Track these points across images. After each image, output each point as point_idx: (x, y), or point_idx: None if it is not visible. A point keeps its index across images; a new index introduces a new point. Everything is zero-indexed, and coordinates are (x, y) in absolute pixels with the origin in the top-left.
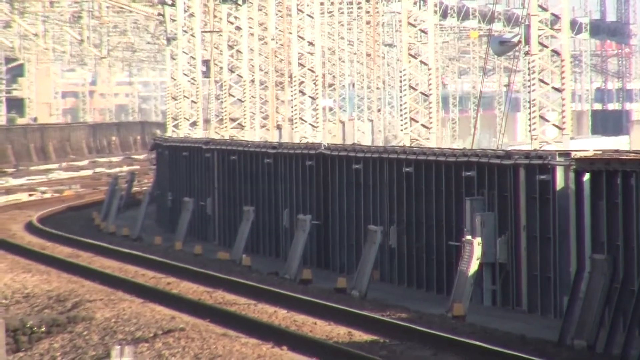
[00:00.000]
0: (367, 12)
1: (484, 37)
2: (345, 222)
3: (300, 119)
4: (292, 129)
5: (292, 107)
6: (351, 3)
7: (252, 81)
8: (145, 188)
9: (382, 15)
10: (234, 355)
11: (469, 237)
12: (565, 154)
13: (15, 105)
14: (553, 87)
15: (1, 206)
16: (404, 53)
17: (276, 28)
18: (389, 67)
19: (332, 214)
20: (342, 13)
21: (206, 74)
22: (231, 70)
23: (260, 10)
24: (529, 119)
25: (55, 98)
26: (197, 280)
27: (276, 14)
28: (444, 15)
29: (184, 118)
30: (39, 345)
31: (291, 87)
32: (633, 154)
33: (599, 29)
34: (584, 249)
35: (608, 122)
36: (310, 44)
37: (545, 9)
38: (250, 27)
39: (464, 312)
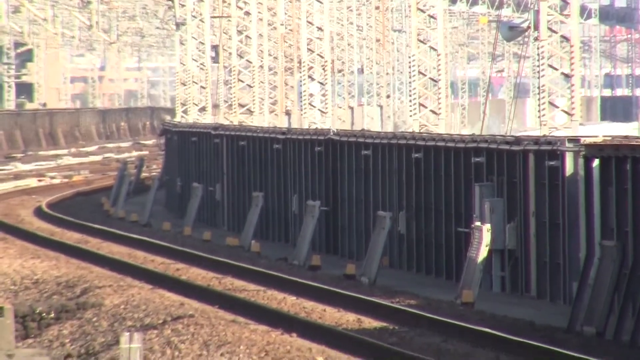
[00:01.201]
0: None
1: (493, 23)
2: (355, 208)
3: (309, 104)
4: (301, 114)
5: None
6: None
7: (261, 66)
8: (154, 174)
9: (391, 1)
10: (243, 342)
11: (478, 223)
12: (575, 140)
13: (24, 90)
14: (562, 73)
15: (10, 192)
16: (413, 38)
17: (285, 13)
18: (398, 52)
19: (341, 199)
20: None
21: (215, 60)
22: (240, 56)
23: None
24: (538, 105)
25: (64, 83)
26: (206, 266)
27: None
28: (453, 0)
29: (193, 103)
30: (48, 331)
31: (300, 72)
32: None
33: (608, 14)
34: (593, 235)
35: (617, 108)
36: (319, 29)
37: None
38: (259, 12)
39: (473, 299)
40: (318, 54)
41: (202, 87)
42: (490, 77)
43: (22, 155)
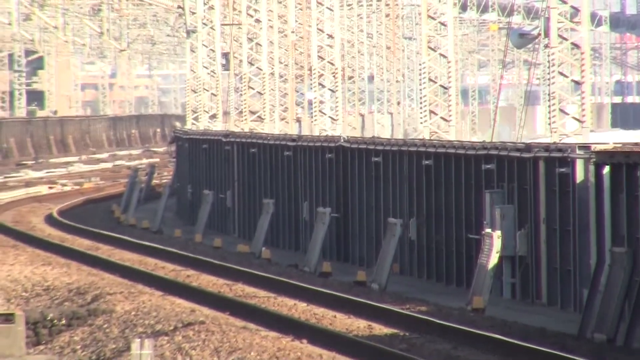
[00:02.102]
0: (387, 4)
1: (503, 30)
2: (365, 214)
3: (320, 111)
4: (312, 121)
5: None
6: None
7: (272, 74)
8: (165, 181)
9: (402, 8)
10: (254, 349)
11: (488, 230)
12: (585, 147)
13: (35, 97)
14: (573, 80)
15: (21, 199)
16: (423, 46)
17: (296, 21)
18: (409, 59)
19: (351, 206)
20: (362, 6)
21: (226, 67)
22: (251, 63)
23: (279, 2)
24: (549, 112)
25: (74, 91)
26: (217, 273)
27: (296, 7)
28: (464, 7)
29: (204, 111)
30: (59, 338)
31: (310, 79)
32: None
33: (618, 21)
34: (604, 242)
35: (628, 115)
36: (330, 36)
37: (565, 2)
38: (269, 20)
39: (483, 305)
40: (328, 61)
41: (212, 94)
42: (501, 84)
43: (33, 162)
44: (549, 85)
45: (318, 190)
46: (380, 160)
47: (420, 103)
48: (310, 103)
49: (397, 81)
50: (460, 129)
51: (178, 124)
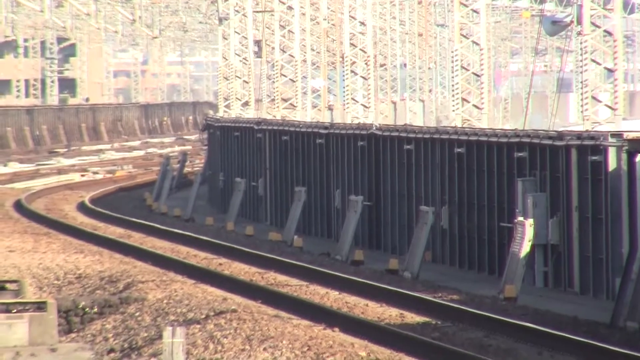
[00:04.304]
0: None
1: (536, 17)
2: (397, 202)
3: (352, 99)
4: (344, 109)
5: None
6: None
7: (304, 61)
8: (197, 168)
9: None
10: (286, 337)
11: (520, 218)
12: (618, 135)
13: (67, 85)
14: (605, 68)
15: (53, 187)
16: (455, 33)
17: (328, 8)
18: (441, 47)
19: (383, 194)
20: None
21: (258, 54)
22: (283, 50)
23: None
24: (581, 100)
25: (107, 78)
26: (249, 261)
27: None
28: None
29: (236, 98)
30: (91, 326)
31: (343, 67)
32: None
33: None
34: (636, 230)
35: None
36: (362, 24)
37: None
38: (302, 7)
39: (515, 294)
40: (361, 49)
41: (244, 81)
42: (533, 71)
43: (65, 150)
44: (581, 72)
45: (350, 178)
46: (412, 148)
47: (453, 90)
48: (314, 91)
49: (429, 68)
50: (493, 116)
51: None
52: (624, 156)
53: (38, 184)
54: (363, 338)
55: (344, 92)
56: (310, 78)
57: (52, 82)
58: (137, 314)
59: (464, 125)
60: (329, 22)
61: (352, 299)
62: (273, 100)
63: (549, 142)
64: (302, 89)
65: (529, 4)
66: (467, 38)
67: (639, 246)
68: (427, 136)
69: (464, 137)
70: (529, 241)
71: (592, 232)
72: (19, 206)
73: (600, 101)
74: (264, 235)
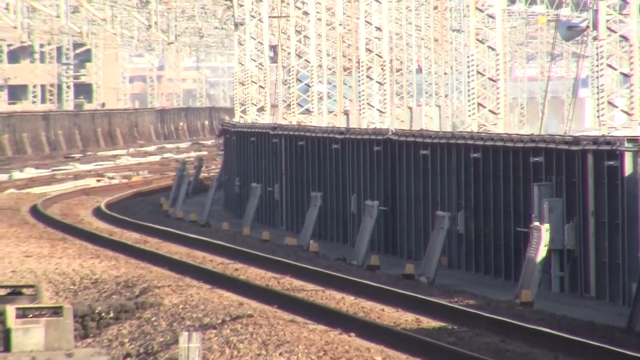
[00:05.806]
0: None
1: (552, 22)
2: (413, 207)
3: (368, 104)
4: (360, 113)
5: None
6: None
7: (320, 66)
8: (213, 174)
9: (450, 0)
10: (302, 342)
11: (537, 223)
12: (634, 140)
13: (83, 90)
14: (621, 73)
15: (69, 192)
16: (471, 38)
17: (344, 13)
18: (457, 52)
19: (399, 199)
20: None
21: (274, 59)
22: (299, 56)
23: None
24: (597, 105)
25: (122, 83)
26: (265, 266)
27: None
28: (512, 0)
29: (252, 103)
30: (107, 331)
31: (359, 72)
32: None
33: None
34: None
35: None
36: (378, 29)
37: None
38: (317, 12)
39: (532, 299)
40: (377, 54)
41: (260, 87)
42: (549, 77)
43: (81, 155)
44: (597, 77)
45: (366, 183)
46: (428, 153)
47: (468, 95)
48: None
49: (445, 73)
50: (509, 121)
51: (226, 117)
52: None
53: (54, 189)
54: (379, 343)
55: (359, 97)
56: (317, 83)
57: (68, 87)
58: (153, 319)
59: (479, 130)
60: (344, 28)
61: (368, 304)
62: (289, 105)
63: (565, 147)
64: (318, 94)
65: (544, 9)
66: (483, 43)
67: None
68: (443, 141)
69: (480, 142)
70: (545, 246)
71: (609, 237)
72: (35, 211)
73: (616, 106)
74: (280, 240)
